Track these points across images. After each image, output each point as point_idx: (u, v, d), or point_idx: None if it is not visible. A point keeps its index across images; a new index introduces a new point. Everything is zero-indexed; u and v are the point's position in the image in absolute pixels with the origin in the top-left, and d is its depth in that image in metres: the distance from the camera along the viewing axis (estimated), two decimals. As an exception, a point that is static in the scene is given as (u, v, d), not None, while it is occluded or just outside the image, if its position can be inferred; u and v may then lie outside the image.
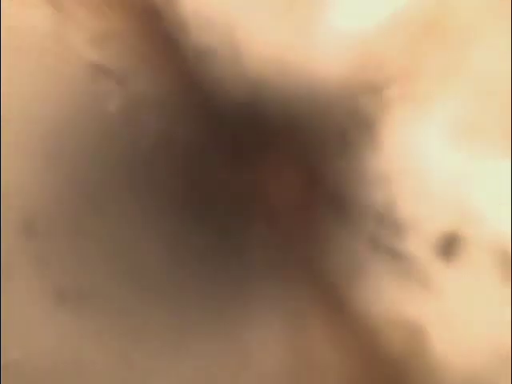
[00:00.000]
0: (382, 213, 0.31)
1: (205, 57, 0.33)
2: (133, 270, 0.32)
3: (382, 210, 0.31)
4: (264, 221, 0.33)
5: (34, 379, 0.30)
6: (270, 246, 0.33)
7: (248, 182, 0.33)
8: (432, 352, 0.30)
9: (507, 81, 0.28)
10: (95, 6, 0.34)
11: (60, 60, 0.32)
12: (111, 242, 0.32)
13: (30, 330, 0.31)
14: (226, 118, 0.33)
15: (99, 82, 0.32)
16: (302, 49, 0.31)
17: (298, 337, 0.31)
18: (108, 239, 0.32)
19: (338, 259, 0.32)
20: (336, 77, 0.31)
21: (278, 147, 0.33)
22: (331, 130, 0.32)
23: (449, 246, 0.30)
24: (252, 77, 0.33)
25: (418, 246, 0.30)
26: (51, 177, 0.32)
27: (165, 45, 0.34)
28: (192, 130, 0.33)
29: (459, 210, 0.29)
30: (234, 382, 0.31)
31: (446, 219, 0.30)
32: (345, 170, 0.32)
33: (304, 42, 0.31)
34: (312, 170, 0.33)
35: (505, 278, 0.28)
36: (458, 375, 0.29)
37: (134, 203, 0.32)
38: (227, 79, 0.33)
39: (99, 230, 0.32)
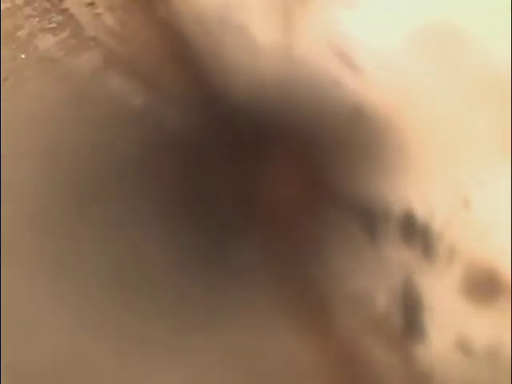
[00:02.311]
0: (386, 214, 0.31)
1: (218, 55, 0.33)
2: (131, 270, 0.32)
3: (385, 212, 0.31)
4: (263, 222, 0.33)
5: (33, 379, 0.30)
6: (268, 247, 0.33)
7: (248, 183, 0.33)
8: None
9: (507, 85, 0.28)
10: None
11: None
12: (109, 242, 0.32)
13: (30, 331, 0.31)
14: (229, 117, 0.33)
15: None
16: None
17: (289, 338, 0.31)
18: (105, 239, 0.32)
19: (336, 261, 0.32)
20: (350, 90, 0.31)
21: (280, 148, 0.33)
22: (334, 134, 0.32)
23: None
24: (262, 77, 0.33)
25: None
26: (51, 175, 0.32)
27: (183, 47, 0.34)
28: (193, 128, 0.33)
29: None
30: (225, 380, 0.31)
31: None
32: (345, 171, 0.32)
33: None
34: (313, 170, 0.33)
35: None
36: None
37: (133, 203, 0.32)
38: (237, 77, 0.33)
39: (98, 230, 0.32)
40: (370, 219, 0.31)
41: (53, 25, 0.33)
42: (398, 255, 0.31)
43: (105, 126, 0.33)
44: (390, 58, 0.30)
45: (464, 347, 0.29)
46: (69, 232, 0.32)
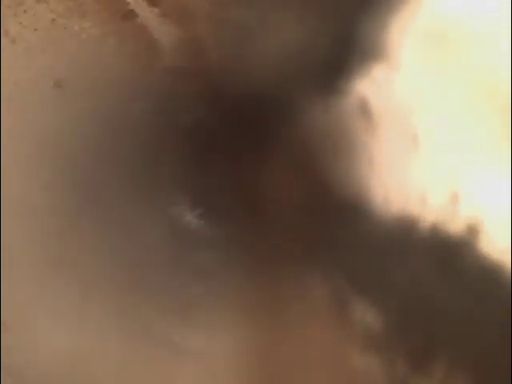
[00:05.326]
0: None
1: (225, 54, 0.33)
2: (130, 268, 0.32)
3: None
4: (262, 222, 0.33)
5: (34, 381, 0.30)
6: (267, 248, 0.33)
7: (246, 183, 0.33)
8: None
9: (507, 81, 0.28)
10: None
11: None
12: (110, 241, 0.32)
13: (30, 332, 0.31)
14: (226, 114, 0.33)
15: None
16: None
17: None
18: (106, 238, 0.32)
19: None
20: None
21: (279, 148, 0.33)
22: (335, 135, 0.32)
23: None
24: (262, 75, 0.33)
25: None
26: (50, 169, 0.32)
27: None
28: (191, 125, 0.33)
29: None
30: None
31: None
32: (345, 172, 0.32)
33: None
34: (312, 172, 0.33)
35: None
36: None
37: (131, 199, 0.32)
38: (237, 73, 0.33)
39: (99, 228, 0.32)
40: (368, 220, 0.31)
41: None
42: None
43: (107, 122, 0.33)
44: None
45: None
46: (68, 230, 0.32)
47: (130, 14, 0.33)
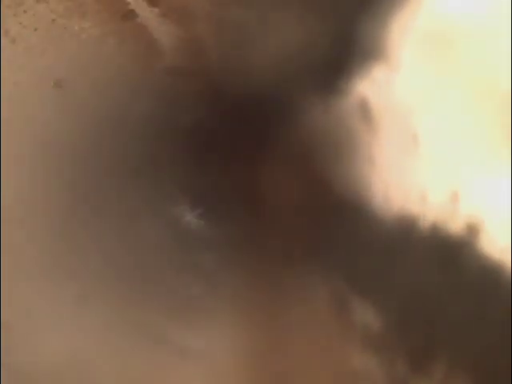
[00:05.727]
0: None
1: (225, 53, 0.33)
2: (130, 269, 0.32)
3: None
4: (261, 223, 0.33)
5: (34, 381, 0.30)
6: (267, 250, 0.33)
7: (246, 183, 0.33)
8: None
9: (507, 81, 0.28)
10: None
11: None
12: (108, 238, 0.32)
13: (30, 333, 0.31)
14: (226, 114, 0.33)
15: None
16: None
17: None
18: (105, 236, 0.32)
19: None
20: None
21: (279, 148, 0.33)
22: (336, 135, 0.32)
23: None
24: (263, 73, 0.33)
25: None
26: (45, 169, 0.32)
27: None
28: (191, 125, 0.33)
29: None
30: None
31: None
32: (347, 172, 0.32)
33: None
34: (312, 172, 0.33)
35: None
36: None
37: (130, 196, 0.32)
38: (237, 73, 0.33)
39: (97, 227, 0.32)
40: (368, 220, 0.32)
41: None
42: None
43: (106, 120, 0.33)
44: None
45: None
46: (67, 230, 0.32)
47: (130, 14, 0.33)
